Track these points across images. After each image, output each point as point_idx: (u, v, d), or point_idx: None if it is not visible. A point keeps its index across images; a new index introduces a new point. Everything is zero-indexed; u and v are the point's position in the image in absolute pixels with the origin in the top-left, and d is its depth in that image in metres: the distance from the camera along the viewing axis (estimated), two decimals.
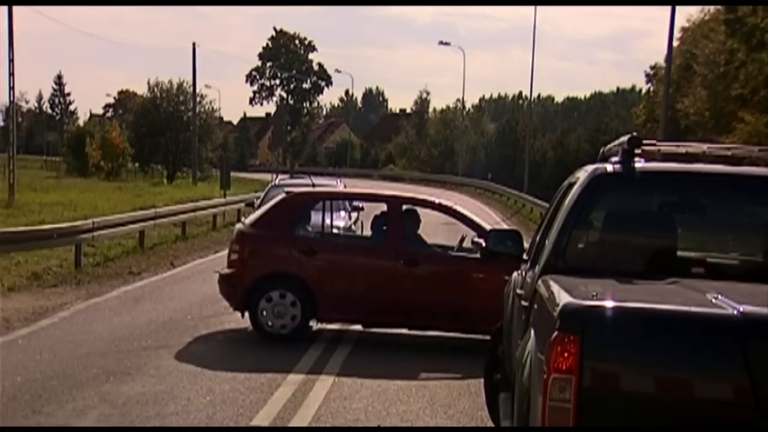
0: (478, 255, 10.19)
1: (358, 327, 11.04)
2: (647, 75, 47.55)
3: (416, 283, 10.23)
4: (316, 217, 11.20)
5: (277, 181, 20.79)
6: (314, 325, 10.63)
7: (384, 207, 10.74)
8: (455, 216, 11.00)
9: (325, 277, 10.26)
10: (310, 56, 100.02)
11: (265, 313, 10.13)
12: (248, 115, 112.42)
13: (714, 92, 34.12)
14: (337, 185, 18.08)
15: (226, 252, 18.52)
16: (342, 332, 10.81)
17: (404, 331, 11.10)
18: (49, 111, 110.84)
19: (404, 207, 10.66)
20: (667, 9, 25.24)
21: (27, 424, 6.82)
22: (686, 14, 41.64)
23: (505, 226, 20.84)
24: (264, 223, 10.61)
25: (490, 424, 6.91)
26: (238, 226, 11.12)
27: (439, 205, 11.30)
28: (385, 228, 10.59)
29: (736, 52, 30.42)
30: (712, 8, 38.78)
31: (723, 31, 32.44)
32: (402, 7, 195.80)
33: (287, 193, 11.12)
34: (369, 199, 12.21)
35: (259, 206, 17.16)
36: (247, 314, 10.33)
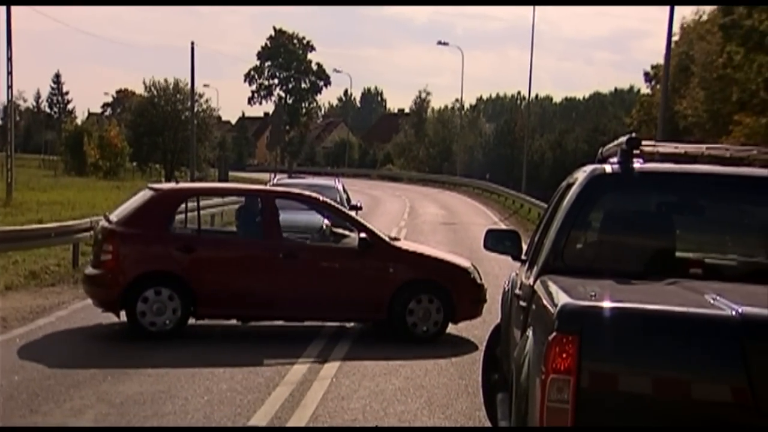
0: (354, 245, 10.58)
1: (356, 329, 11.05)
2: (647, 75, 47.50)
3: (294, 275, 10.36)
4: (191, 214, 10.99)
5: (274, 181, 20.75)
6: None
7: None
8: (331, 210, 11.36)
9: (204, 275, 10.12)
10: (309, 56, 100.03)
11: (145, 313, 9.89)
12: (246, 114, 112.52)
13: (711, 94, 34.15)
14: (335, 185, 18.10)
15: None
16: (339, 332, 10.80)
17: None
18: (47, 110, 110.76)
19: (277, 201, 10.82)
20: (664, 9, 25.27)
21: (24, 423, 6.81)
22: (680, 16, 41.63)
23: (503, 227, 20.88)
24: (137, 221, 10.30)
25: (488, 424, 6.91)
26: (103, 224, 10.73)
27: (308, 197, 11.52)
28: (259, 221, 10.70)
29: (734, 54, 30.43)
30: (707, 10, 38.84)
31: (719, 41, 32.46)
32: (399, 7, 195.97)
33: (154, 190, 10.92)
34: (240, 194, 12.09)
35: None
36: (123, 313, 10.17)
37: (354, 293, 10.47)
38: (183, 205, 11.60)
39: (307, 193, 11.84)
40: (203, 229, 11.08)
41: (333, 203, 11.63)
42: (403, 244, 11.29)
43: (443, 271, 10.70)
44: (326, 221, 11.99)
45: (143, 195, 10.92)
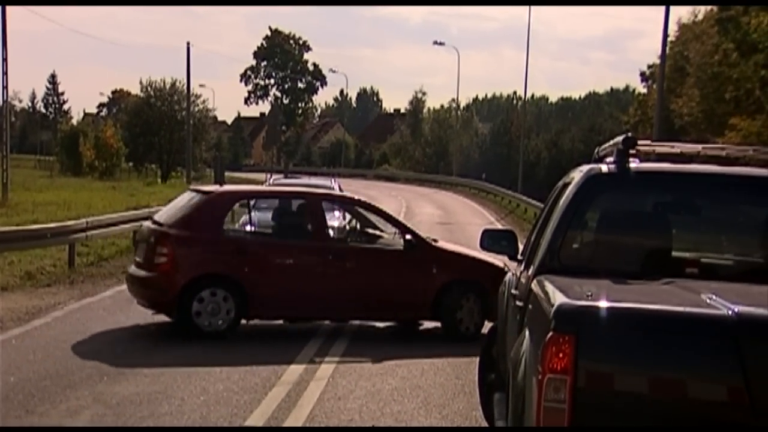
0: (399, 247, 10.80)
1: (353, 329, 11.05)
2: (643, 74, 47.52)
3: (343, 276, 10.58)
4: (243, 216, 11.12)
5: (270, 181, 20.71)
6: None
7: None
8: (371, 210, 11.59)
9: (257, 276, 10.29)
10: (305, 56, 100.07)
11: (201, 314, 10.07)
12: (242, 114, 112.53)
13: (706, 93, 34.18)
14: (332, 185, 18.08)
15: None
16: (336, 332, 10.80)
17: (399, 332, 11.11)
18: (43, 110, 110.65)
19: (324, 203, 11.14)
20: (659, 9, 25.29)
21: (20, 424, 6.80)
22: (676, 16, 41.67)
23: (499, 226, 20.89)
24: (191, 224, 10.41)
25: (485, 424, 6.91)
26: (150, 226, 10.85)
27: (350, 199, 11.92)
28: (309, 224, 10.90)
29: (730, 53, 30.47)
30: (702, 10, 38.88)
31: (716, 32, 32.49)
32: (394, 7, 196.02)
33: (205, 193, 11.03)
34: (287, 196, 12.23)
35: (253, 206, 17.10)
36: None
37: (399, 293, 10.68)
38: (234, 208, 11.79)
39: (348, 194, 11.99)
40: (255, 231, 11.20)
41: (375, 205, 11.84)
42: (443, 244, 11.50)
43: (482, 270, 10.79)
44: (338, 221, 12.28)
45: (190, 197, 11.07)
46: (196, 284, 10.11)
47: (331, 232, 11.17)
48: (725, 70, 31.17)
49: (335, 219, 13.45)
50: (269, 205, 11.21)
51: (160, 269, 10.24)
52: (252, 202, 11.54)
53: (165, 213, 11.17)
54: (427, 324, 11.69)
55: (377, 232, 11.45)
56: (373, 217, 11.52)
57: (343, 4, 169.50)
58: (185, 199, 11.21)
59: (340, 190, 17.85)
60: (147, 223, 11.31)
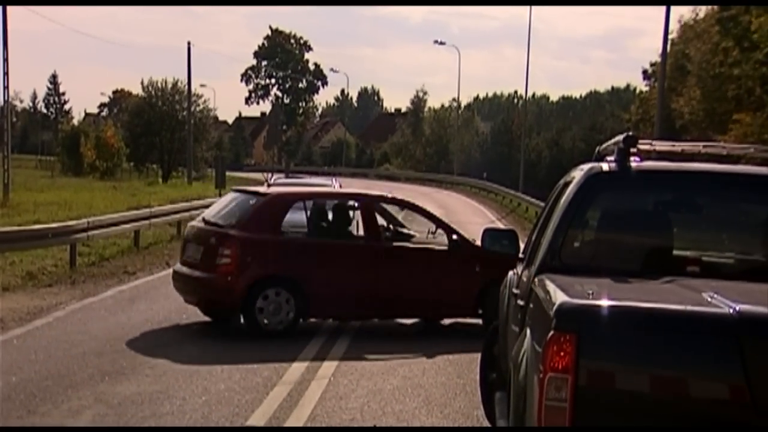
0: (444, 247, 11.09)
1: (354, 329, 11.06)
2: (645, 72, 47.45)
3: (395, 275, 10.80)
4: (300, 217, 11.29)
5: (271, 181, 20.66)
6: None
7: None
8: (418, 212, 11.84)
9: (315, 276, 10.51)
10: (306, 55, 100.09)
11: (263, 311, 10.28)
12: (243, 114, 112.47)
13: (707, 92, 34.16)
14: (333, 184, 18.07)
15: None
16: (337, 331, 10.80)
17: (399, 331, 11.12)
18: (44, 110, 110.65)
19: (378, 204, 11.51)
20: (660, 8, 25.29)
21: (22, 424, 6.81)
22: (677, 14, 41.60)
23: (501, 226, 20.89)
24: (252, 226, 10.55)
25: (486, 423, 6.90)
26: (202, 225, 10.97)
27: (401, 201, 12.10)
28: (362, 225, 11.19)
29: (730, 51, 30.45)
30: (704, 8, 38.84)
31: (716, 31, 32.46)
32: (395, 7, 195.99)
33: (260, 195, 11.14)
34: (341, 198, 12.42)
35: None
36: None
37: (447, 292, 10.93)
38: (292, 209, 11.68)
39: (400, 197, 12.31)
40: (311, 232, 11.27)
41: (422, 207, 12.13)
42: None
43: None
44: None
45: (239, 198, 11.26)
46: (259, 285, 10.31)
47: (382, 233, 11.40)
48: (726, 70, 31.15)
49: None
50: (306, 206, 11.28)
51: (223, 270, 10.36)
52: (308, 203, 11.55)
53: (215, 213, 11.30)
54: (428, 324, 11.71)
55: (410, 231, 11.80)
56: (401, 217, 11.99)
57: (343, 4, 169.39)
58: (233, 200, 11.43)
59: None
60: (196, 223, 11.47)
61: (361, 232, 11.33)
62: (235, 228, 10.54)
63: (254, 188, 12.35)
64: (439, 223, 11.56)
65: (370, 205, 11.32)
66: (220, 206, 11.65)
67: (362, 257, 10.85)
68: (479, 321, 10.94)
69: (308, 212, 11.20)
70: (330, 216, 11.67)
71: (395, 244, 11.20)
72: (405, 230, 11.80)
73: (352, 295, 10.68)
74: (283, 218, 10.82)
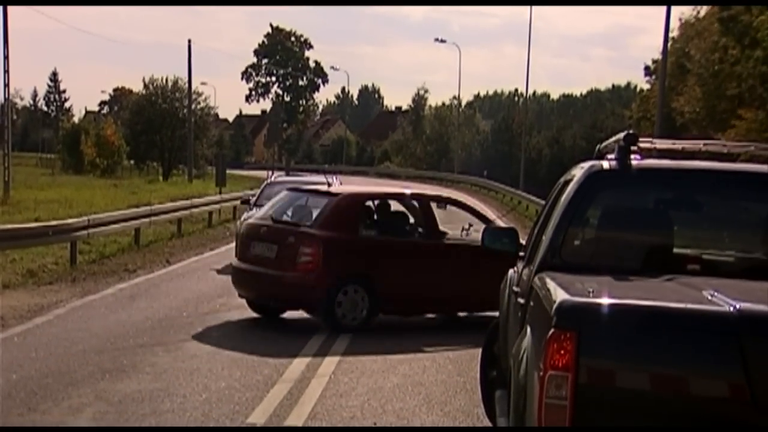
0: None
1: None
2: (647, 69, 47.36)
3: (456, 272, 11.15)
4: (370, 216, 11.70)
5: (272, 179, 20.68)
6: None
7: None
8: (467, 210, 12.31)
9: (386, 274, 10.86)
10: (306, 53, 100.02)
11: (341, 306, 10.61)
12: (244, 112, 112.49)
13: (708, 91, 34.14)
14: (334, 183, 18.04)
15: (222, 249, 18.75)
16: (336, 332, 10.80)
17: (400, 329, 11.13)
18: (45, 108, 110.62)
19: (432, 204, 11.99)
20: (661, 6, 25.30)
21: (22, 421, 6.81)
22: (678, 12, 41.53)
23: (501, 224, 20.90)
24: (331, 225, 10.83)
25: (487, 421, 6.91)
26: (269, 223, 11.19)
27: (454, 200, 12.81)
28: (423, 223, 11.64)
29: (730, 50, 30.43)
30: (704, 7, 38.78)
31: (717, 30, 32.45)
32: (395, 6, 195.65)
33: (332, 195, 11.34)
34: (402, 198, 12.63)
35: (255, 203, 17.17)
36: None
37: (496, 287, 11.15)
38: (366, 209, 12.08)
39: (454, 196, 13.01)
40: (382, 231, 11.57)
41: (467, 203, 12.62)
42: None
43: None
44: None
45: (311, 199, 11.44)
46: (339, 282, 10.61)
47: (441, 231, 11.81)
48: (726, 68, 31.13)
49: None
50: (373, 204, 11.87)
51: (305, 268, 10.61)
52: (375, 203, 11.88)
53: (278, 212, 11.43)
54: (430, 321, 11.72)
55: (444, 230, 12.14)
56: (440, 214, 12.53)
57: (342, 4, 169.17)
58: (293, 198, 11.65)
59: None
60: (258, 222, 11.54)
61: (420, 230, 11.75)
62: (314, 227, 10.77)
63: (316, 187, 12.37)
64: (486, 221, 11.61)
65: (428, 204, 11.80)
66: (277, 205, 11.74)
67: (424, 254, 11.25)
68: None
69: (375, 211, 11.70)
70: (393, 215, 12.04)
71: (451, 241, 11.62)
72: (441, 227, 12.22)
73: (417, 292, 11.04)
74: (358, 217, 11.24)
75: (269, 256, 10.85)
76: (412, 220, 11.89)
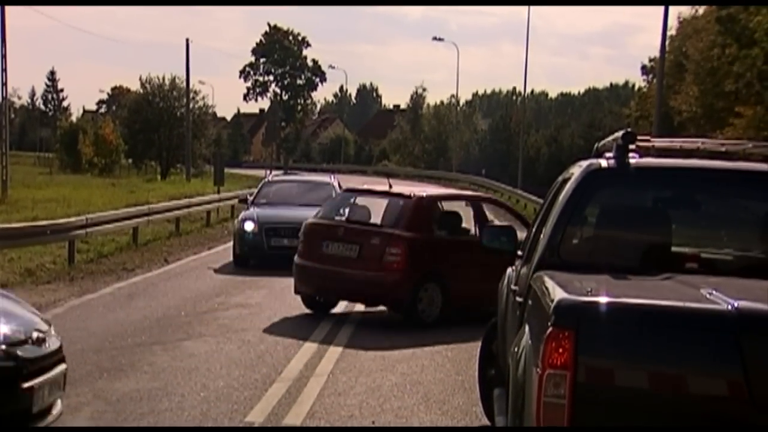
0: None
1: (352, 326, 11.08)
2: (644, 68, 47.38)
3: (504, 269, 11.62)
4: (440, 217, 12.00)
5: (269, 177, 20.71)
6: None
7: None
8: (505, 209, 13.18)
9: (455, 272, 11.33)
10: (304, 52, 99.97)
11: (422, 302, 11.11)
12: (242, 111, 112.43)
13: (705, 89, 34.16)
14: (331, 181, 18.09)
15: (220, 248, 18.75)
16: (336, 328, 10.81)
17: (398, 328, 11.13)
18: (42, 107, 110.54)
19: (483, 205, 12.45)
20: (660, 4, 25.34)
21: None
22: (676, 11, 41.57)
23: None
24: (413, 226, 11.32)
25: (485, 419, 6.92)
26: (341, 224, 11.59)
27: (495, 200, 13.79)
28: (478, 223, 11.86)
29: (728, 48, 30.44)
30: (703, 7, 38.81)
31: (716, 30, 32.46)
32: (394, 6, 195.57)
33: (406, 197, 11.71)
34: (464, 199, 13.37)
35: (253, 202, 17.22)
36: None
37: None
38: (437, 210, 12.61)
39: (494, 197, 14.00)
40: (452, 231, 11.91)
41: (508, 204, 13.48)
42: None
43: None
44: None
45: (385, 201, 11.73)
46: (421, 280, 11.13)
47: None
48: (724, 65, 31.14)
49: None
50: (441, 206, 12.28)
51: (393, 267, 11.02)
52: (444, 204, 12.22)
53: (352, 213, 11.79)
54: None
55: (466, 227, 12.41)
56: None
57: (341, 4, 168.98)
58: (362, 201, 12.06)
59: (340, 186, 17.72)
60: (328, 222, 11.87)
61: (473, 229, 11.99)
62: (399, 228, 11.21)
63: (385, 189, 12.39)
64: (524, 221, 11.90)
65: (481, 205, 12.33)
66: (343, 206, 12.21)
67: (479, 253, 11.44)
68: None
69: (442, 212, 12.00)
70: (451, 215, 12.24)
71: None
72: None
73: (479, 287, 11.08)
74: (432, 218, 11.70)
75: (350, 256, 11.23)
76: (474, 220, 12.25)
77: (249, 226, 16.09)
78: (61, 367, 5.88)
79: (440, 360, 9.42)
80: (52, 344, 5.80)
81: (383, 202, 11.66)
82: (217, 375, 8.31)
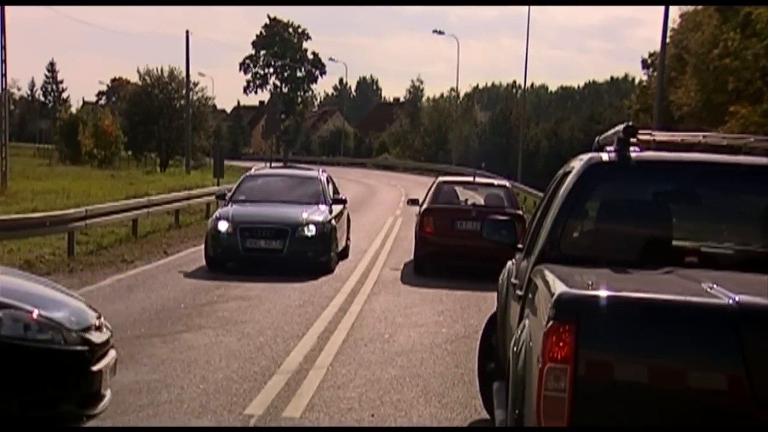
0: None
1: (352, 319, 11.08)
2: (644, 61, 47.28)
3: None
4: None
5: (253, 171, 18.90)
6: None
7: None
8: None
9: None
10: (304, 45, 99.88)
11: None
12: (242, 103, 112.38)
13: (705, 84, 34.10)
14: (318, 176, 17.11)
15: None
16: (336, 320, 10.80)
17: (397, 320, 11.13)
18: (42, 98, 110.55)
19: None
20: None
21: None
22: (677, 7, 41.47)
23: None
24: (517, 207, 15.70)
25: (484, 413, 6.92)
26: (471, 208, 15.51)
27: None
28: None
29: (730, 42, 30.38)
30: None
31: (716, 22, 32.40)
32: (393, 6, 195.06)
33: (500, 186, 16.71)
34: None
35: (231, 198, 16.01)
36: None
37: None
38: None
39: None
40: None
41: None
42: None
43: None
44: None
45: (487, 189, 16.55)
46: None
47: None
48: (725, 61, 31.08)
49: (319, 213, 15.29)
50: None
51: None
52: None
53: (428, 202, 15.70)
54: (426, 315, 11.72)
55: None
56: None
57: (340, 4, 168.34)
58: (445, 188, 16.41)
59: (329, 181, 16.91)
60: (441, 205, 15.71)
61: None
62: (511, 208, 15.19)
63: (468, 179, 17.28)
64: None
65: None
66: (434, 194, 16.01)
67: None
68: None
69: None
70: None
71: None
72: None
73: None
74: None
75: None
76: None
77: (223, 226, 14.76)
78: (113, 353, 6.17)
79: (439, 353, 9.42)
80: (106, 331, 6.11)
81: (496, 190, 16.13)
82: (217, 367, 8.31)
